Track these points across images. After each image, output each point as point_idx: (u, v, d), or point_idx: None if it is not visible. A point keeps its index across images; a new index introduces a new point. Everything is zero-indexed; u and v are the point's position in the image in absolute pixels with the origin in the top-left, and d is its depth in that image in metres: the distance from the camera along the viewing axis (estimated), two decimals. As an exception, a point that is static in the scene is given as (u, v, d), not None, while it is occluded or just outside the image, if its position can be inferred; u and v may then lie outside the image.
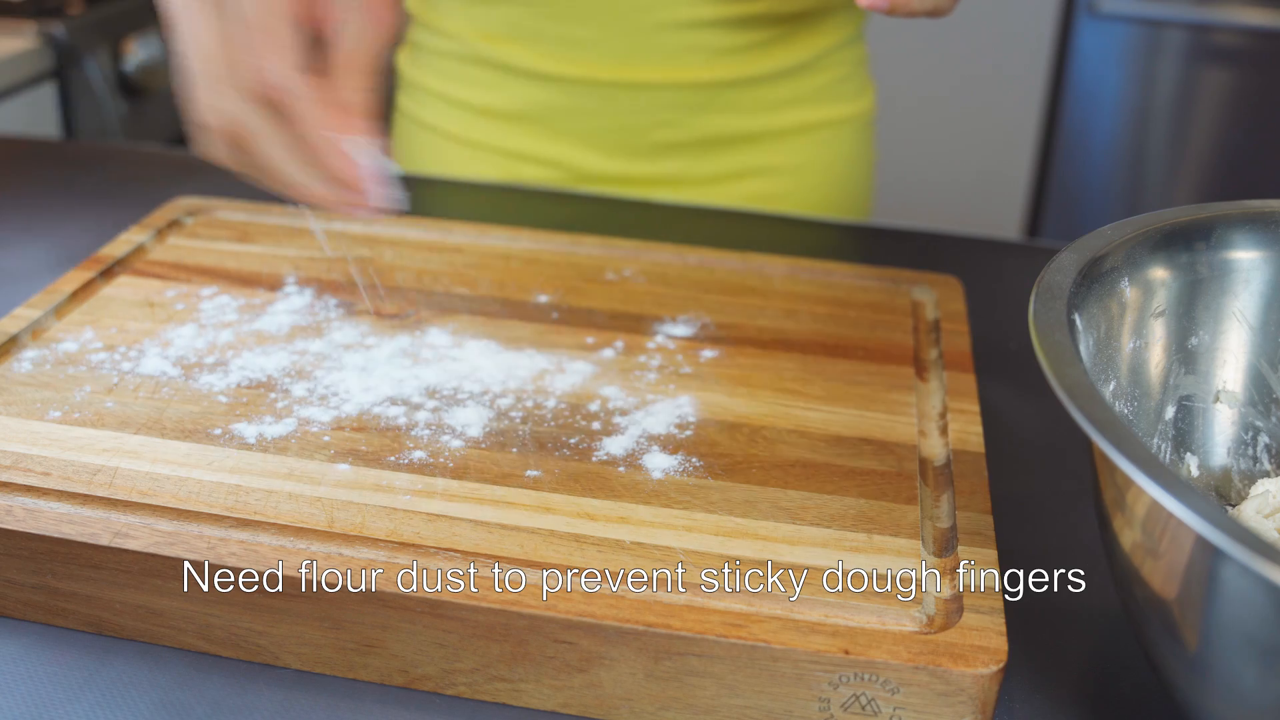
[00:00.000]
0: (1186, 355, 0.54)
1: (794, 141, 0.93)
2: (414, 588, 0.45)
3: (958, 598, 0.46)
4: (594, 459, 0.54)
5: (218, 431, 0.55)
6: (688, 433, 0.56)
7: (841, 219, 0.91)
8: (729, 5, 0.85)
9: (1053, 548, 0.56)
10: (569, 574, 0.47)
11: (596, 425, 0.56)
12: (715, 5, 0.85)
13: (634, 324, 0.66)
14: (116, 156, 0.98)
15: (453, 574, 0.46)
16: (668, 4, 0.84)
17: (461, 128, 0.94)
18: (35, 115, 1.38)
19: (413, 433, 0.55)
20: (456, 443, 0.55)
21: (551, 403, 0.58)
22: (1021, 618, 0.51)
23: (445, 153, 0.95)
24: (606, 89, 0.87)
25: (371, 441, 0.54)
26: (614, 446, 0.55)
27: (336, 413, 0.57)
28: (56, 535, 0.48)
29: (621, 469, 0.53)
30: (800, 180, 0.94)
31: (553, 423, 0.57)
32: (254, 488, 0.51)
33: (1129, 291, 0.51)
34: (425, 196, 0.90)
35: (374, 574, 0.46)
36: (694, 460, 0.54)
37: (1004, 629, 0.45)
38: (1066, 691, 0.49)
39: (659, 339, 0.64)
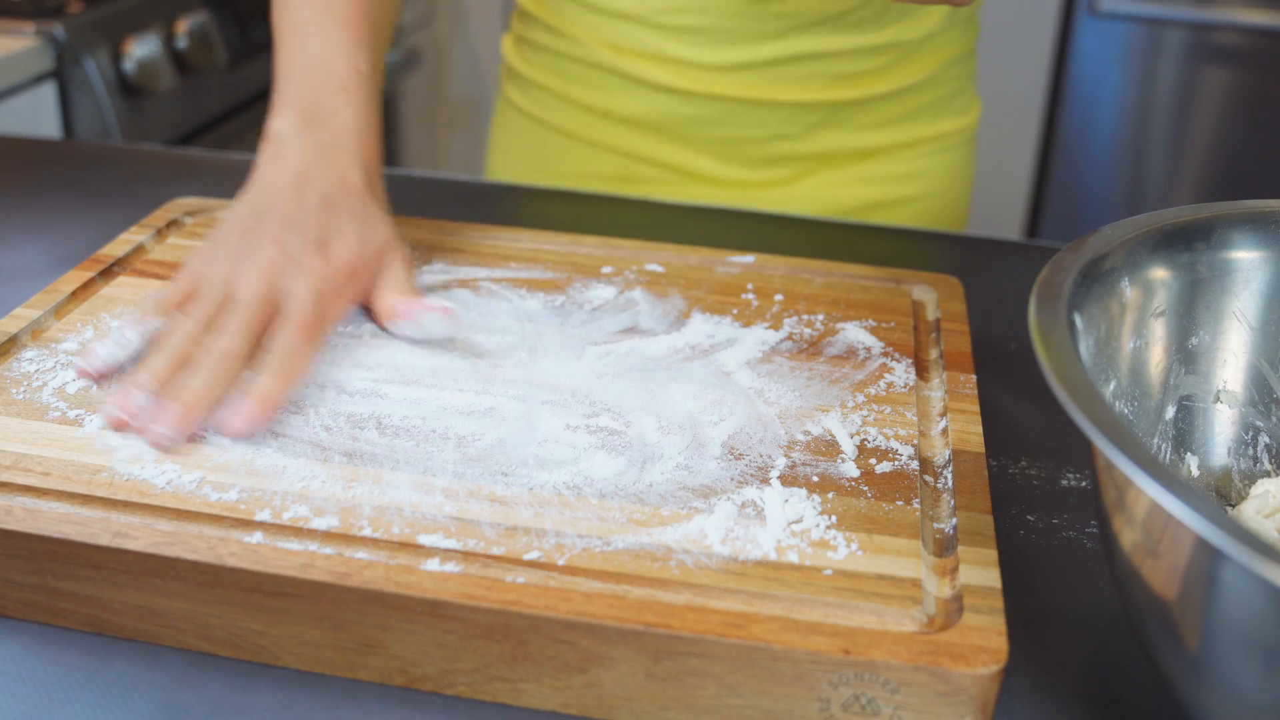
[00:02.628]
0: (1186, 355, 0.54)
1: (903, 154, 0.94)
2: (414, 588, 0.45)
3: (958, 598, 0.46)
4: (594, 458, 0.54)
5: (217, 431, 0.55)
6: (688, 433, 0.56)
7: (853, 220, 0.91)
8: (853, 36, 0.86)
9: (1053, 548, 0.56)
10: (569, 574, 0.47)
11: (600, 425, 0.56)
12: (840, 37, 0.85)
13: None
14: (116, 156, 0.98)
15: (453, 574, 0.46)
16: (795, 35, 0.85)
17: (579, 126, 0.94)
18: (35, 115, 1.38)
19: (412, 431, 0.55)
20: (455, 442, 0.55)
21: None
22: (1021, 618, 0.51)
23: (562, 149, 0.96)
24: (727, 104, 0.88)
25: (372, 440, 0.54)
26: (616, 445, 0.55)
27: (337, 411, 0.57)
28: (56, 535, 0.48)
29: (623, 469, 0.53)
30: (906, 189, 0.95)
31: (555, 424, 0.56)
32: (254, 487, 0.51)
33: (1129, 291, 0.51)
34: (425, 197, 0.90)
35: (374, 574, 0.46)
36: (694, 460, 0.54)
37: (1004, 629, 0.45)
38: (1066, 691, 0.49)
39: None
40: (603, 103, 0.92)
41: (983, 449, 0.56)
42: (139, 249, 0.72)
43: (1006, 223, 2.28)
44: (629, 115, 0.92)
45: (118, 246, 0.71)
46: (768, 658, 0.44)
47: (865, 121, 0.91)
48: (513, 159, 1.00)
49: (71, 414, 0.55)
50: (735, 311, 0.67)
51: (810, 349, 0.64)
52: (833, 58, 0.87)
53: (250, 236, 0.61)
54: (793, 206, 0.93)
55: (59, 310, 0.64)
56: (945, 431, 0.57)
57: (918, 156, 0.95)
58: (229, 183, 0.91)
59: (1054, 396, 0.41)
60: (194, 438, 0.54)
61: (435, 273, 0.70)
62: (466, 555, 0.48)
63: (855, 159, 0.93)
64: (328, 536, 0.48)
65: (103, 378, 0.58)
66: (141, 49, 1.45)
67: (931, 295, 0.70)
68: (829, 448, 0.55)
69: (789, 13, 0.83)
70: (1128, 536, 0.42)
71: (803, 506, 0.51)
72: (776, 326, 0.66)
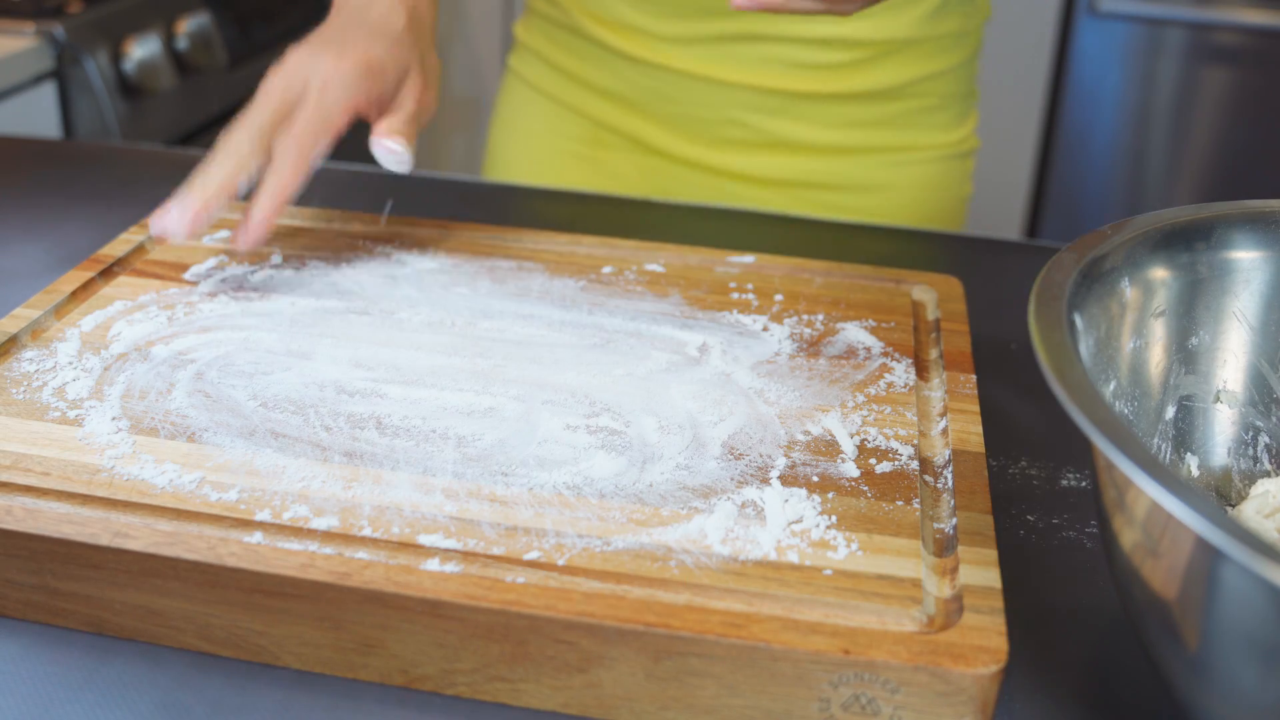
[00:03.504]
0: (1186, 355, 0.54)
1: (870, 160, 0.94)
2: (414, 588, 0.45)
3: (958, 598, 0.46)
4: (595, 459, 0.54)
5: (217, 431, 0.55)
6: (689, 433, 0.56)
7: (838, 218, 0.91)
8: (802, 23, 0.86)
9: (1053, 548, 0.56)
10: (569, 574, 0.47)
11: (600, 425, 0.56)
12: (788, 22, 0.86)
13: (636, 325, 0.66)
14: (116, 156, 0.98)
15: (453, 574, 0.46)
16: (742, 13, 0.86)
17: (556, 88, 0.99)
18: (35, 115, 1.38)
19: (412, 431, 0.55)
20: (455, 442, 0.55)
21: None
22: (1021, 618, 0.51)
23: (538, 107, 1.00)
24: (680, 78, 0.91)
25: (372, 440, 0.54)
26: (616, 445, 0.55)
27: (337, 411, 0.57)
28: (56, 535, 0.48)
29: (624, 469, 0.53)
30: (877, 199, 0.95)
31: (555, 425, 0.56)
32: (254, 487, 0.51)
33: (1129, 291, 0.51)
34: (426, 197, 0.90)
35: (374, 574, 0.46)
36: (694, 460, 0.54)
37: (1004, 629, 0.45)
38: (1066, 691, 0.49)
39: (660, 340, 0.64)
40: (575, 67, 0.96)
41: (983, 449, 0.56)
42: (139, 249, 0.72)
43: (1006, 223, 2.28)
44: (595, 81, 0.95)
45: (118, 246, 0.71)
46: (768, 658, 0.44)
47: (822, 119, 0.91)
48: (500, 118, 1.05)
49: (71, 414, 0.55)
50: (735, 312, 0.67)
51: (810, 349, 0.64)
52: (784, 43, 0.88)
53: (289, 54, 0.68)
54: (753, 170, 0.94)
55: (59, 310, 0.64)
56: (945, 431, 0.57)
57: (888, 167, 0.94)
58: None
59: (1054, 396, 0.41)
60: (192, 436, 0.54)
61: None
62: (466, 555, 0.48)
63: (815, 154, 0.93)
64: (328, 536, 0.48)
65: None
66: (141, 49, 1.45)
67: (931, 295, 0.70)
68: (829, 448, 0.55)
69: None
70: (1128, 536, 0.42)
71: (803, 506, 0.51)
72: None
